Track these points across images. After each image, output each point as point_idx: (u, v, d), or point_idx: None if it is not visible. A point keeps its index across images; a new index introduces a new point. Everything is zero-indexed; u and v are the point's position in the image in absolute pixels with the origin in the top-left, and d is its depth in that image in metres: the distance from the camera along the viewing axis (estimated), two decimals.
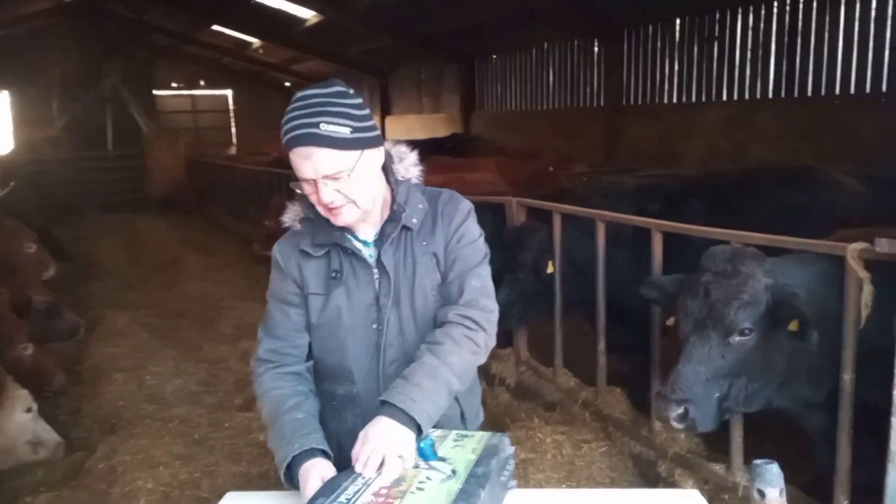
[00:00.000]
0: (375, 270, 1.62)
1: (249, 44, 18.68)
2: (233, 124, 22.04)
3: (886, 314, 2.16)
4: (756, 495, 1.29)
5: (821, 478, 2.55)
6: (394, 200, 1.62)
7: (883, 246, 2.23)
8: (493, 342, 1.64)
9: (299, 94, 1.52)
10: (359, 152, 1.50)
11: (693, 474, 3.03)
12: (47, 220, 9.77)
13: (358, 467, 1.41)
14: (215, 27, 17.11)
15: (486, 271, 1.67)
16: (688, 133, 8.64)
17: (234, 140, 21.23)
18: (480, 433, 1.57)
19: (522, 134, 11.87)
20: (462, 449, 1.50)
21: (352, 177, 1.49)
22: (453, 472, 1.41)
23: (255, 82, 21.80)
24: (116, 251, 9.53)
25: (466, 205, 1.69)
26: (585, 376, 3.92)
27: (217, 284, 7.48)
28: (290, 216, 1.68)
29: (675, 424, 2.31)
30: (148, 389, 4.44)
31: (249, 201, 10.64)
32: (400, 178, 1.65)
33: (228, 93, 21.94)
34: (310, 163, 1.47)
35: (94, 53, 15.69)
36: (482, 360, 1.62)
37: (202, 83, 21.44)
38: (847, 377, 2.38)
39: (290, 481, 1.51)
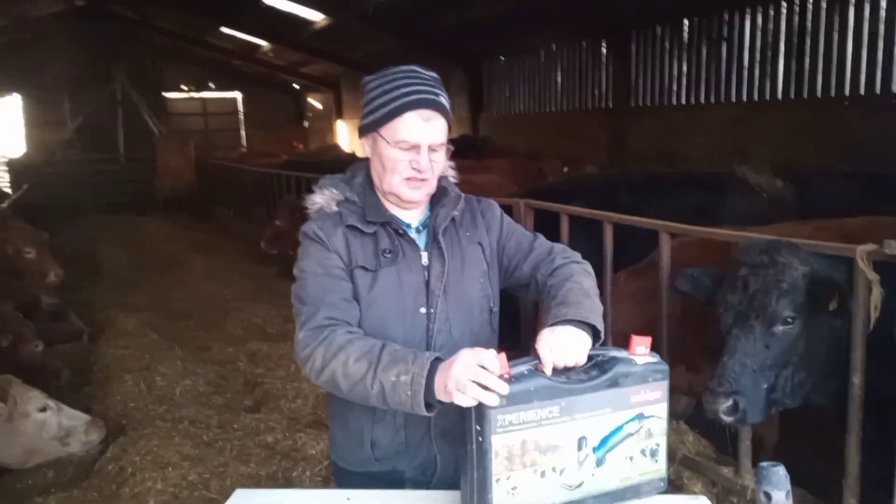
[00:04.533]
0: (424, 254, 1.63)
1: (258, 46, 18.78)
2: (242, 126, 22.15)
3: None
4: (762, 498, 1.29)
5: (828, 479, 2.54)
6: (438, 189, 1.69)
7: (892, 248, 2.23)
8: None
9: (403, 67, 1.62)
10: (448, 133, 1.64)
11: (701, 477, 3.03)
12: (58, 223, 9.87)
13: (547, 358, 1.37)
14: (224, 30, 17.21)
15: None
16: (695, 134, 8.61)
17: (244, 142, 21.34)
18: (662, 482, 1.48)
19: (530, 135, 11.86)
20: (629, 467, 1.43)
21: (442, 153, 1.62)
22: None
23: (264, 85, 21.92)
24: (125, 252, 9.58)
25: (496, 202, 1.83)
26: None
27: (225, 286, 7.51)
28: (324, 198, 1.67)
29: (724, 418, 2.30)
30: (157, 390, 4.45)
31: (258, 203, 10.69)
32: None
33: (238, 95, 22.06)
34: (429, 126, 1.56)
35: (104, 56, 15.83)
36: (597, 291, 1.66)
37: (212, 86, 21.56)
38: (856, 380, 2.37)
39: (426, 391, 1.35)
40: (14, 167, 15.08)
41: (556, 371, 1.37)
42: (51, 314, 5.26)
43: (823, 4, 7.11)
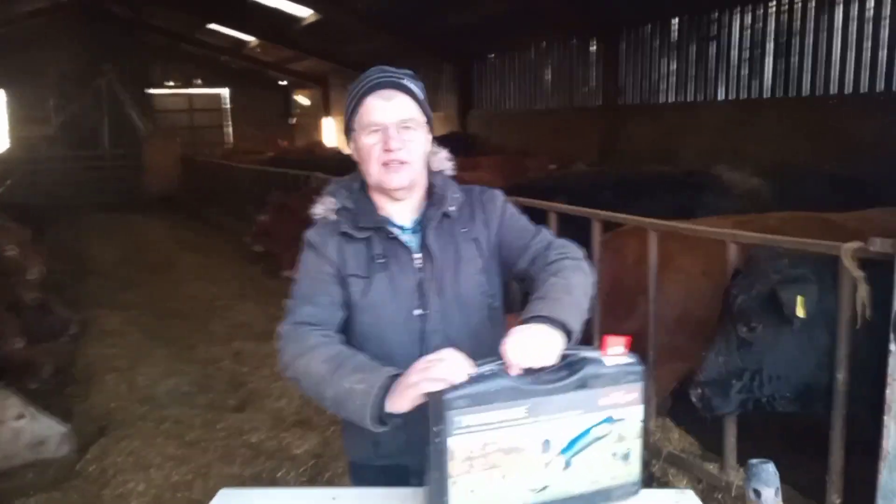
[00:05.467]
0: (417, 256, 1.62)
1: (246, 42, 18.66)
2: (229, 123, 22.00)
3: None
4: (752, 495, 1.28)
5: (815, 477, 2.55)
6: (432, 186, 1.68)
7: (876, 245, 2.23)
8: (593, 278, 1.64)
9: (375, 67, 1.64)
10: (425, 119, 1.63)
11: (687, 474, 3.03)
12: (42, 220, 9.76)
13: (514, 361, 1.31)
14: (212, 26, 17.08)
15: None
16: (685, 132, 8.64)
17: (231, 139, 21.21)
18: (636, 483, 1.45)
19: (520, 133, 11.86)
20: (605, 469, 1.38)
21: (417, 133, 1.60)
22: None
23: (251, 81, 21.77)
24: (111, 250, 9.50)
25: (500, 192, 1.77)
26: None
27: (211, 284, 7.45)
28: (324, 208, 1.67)
29: (695, 402, 2.54)
30: (140, 390, 4.41)
31: (245, 200, 10.61)
32: (434, 170, 1.72)
33: (225, 91, 21.90)
34: (391, 104, 1.57)
35: (90, 52, 15.67)
36: (591, 291, 1.60)
37: (198, 82, 21.38)
38: (840, 377, 2.37)
39: (377, 408, 1.37)
40: None
41: (523, 371, 1.34)
42: (36, 309, 5.19)
43: (812, 4, 7.15)
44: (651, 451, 3.21)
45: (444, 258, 1.63)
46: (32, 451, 3.52)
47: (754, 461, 1.28)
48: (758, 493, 1.26)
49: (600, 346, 1.37)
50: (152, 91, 18.39)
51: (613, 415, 1.37)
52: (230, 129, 21.80)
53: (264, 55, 19.41)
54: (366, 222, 1.62)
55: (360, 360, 1.45)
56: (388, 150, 1.56)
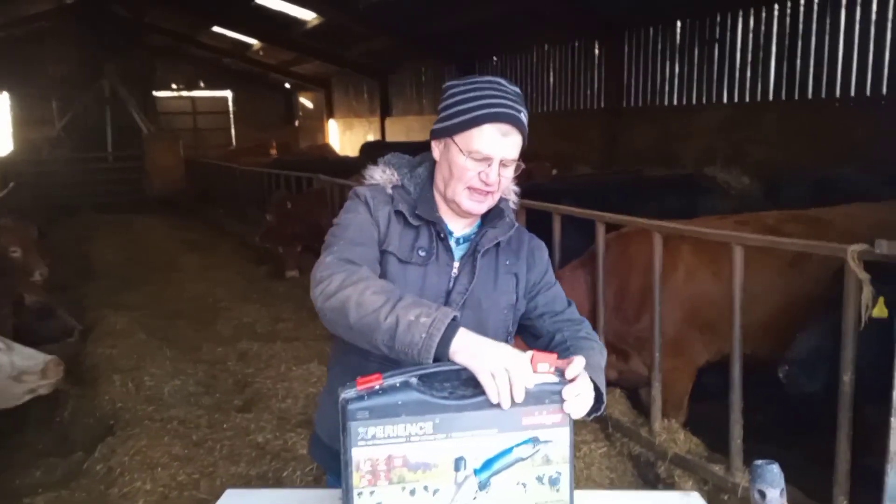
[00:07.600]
0: (457, 264, 1.61)
1: (249, 45, 18.72)
2: (232, 125, 22.07)
3: None
4: (757, 496, 1.28)
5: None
6: (500, 211, 1.66)
7: (882, 247, 2.24)
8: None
9: (488, 77, 1.58)
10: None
11: (692, 475, 3.03)
12: (46, 222, 9.80)
13: (570, 398, 1.30)
14: (215, 28, 17.14)
15: None
16: (688, 135, 8.65)
17: (234, 141, 21.26)
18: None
19: None
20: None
21: (511, 170, 1.58)
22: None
23: (254, 84, 21.85)
24: (115, 252, 9.51)
25: (545, 245, 1.79)
26: None
27: (215, 285, 7.46)
28: (383, 177, 1.64)
29: (781, 379, 2.69)
30: (146, 390, 4.41)
31: (248, 202, 10.65)
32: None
33: (228, 94, 21.97)
34: (506, 140, 1.53)
35: (93, 54, 15.72)
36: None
37: (202, 84, 21.46)
38: (846, 378, 2.38)
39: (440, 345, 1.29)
40: (0, 166, 14.95)
41: (435, 383, 1.29)
42: (36, 311, 5.18)
43: (815, 7, 7.16)
44: (657, 453, 3.22)
45: (482, 280, 1.61)
46: (16, 383, 3.27)
47: (759, 462, 1.28)
48: (763, 494, 1.26)
49: (529, 364, 1.32)
50: (156, 93, 18.44)
51: (540, 436, 1.31)
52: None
53: (267, 58, 19.47)
54: (423, 212, 1.59)
55: (416, 297, 1.39)
56: (482, 181, 1.54)
